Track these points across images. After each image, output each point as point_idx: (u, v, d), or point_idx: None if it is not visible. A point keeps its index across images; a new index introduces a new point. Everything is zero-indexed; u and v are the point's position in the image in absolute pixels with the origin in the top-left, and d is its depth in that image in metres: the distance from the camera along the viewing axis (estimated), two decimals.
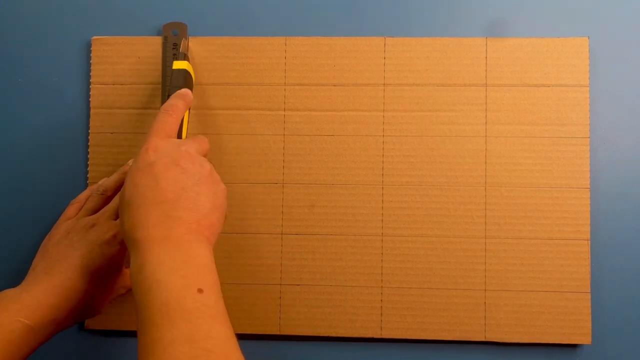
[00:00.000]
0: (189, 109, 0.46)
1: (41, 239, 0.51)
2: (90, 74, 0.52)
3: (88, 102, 0.52)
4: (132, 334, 0.50)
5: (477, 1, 0.51)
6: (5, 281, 0.52)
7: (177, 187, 0.38)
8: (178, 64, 0.47)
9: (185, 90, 0.45)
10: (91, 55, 0.52)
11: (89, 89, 0.52)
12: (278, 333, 0.50)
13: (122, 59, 0.52)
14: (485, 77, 0.50)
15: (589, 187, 0.49)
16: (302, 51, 0.51)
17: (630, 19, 0.51)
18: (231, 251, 0.50)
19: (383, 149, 0.50)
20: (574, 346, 0.49)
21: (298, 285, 0.50)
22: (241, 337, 0.50)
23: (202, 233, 0.38)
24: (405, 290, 0.49)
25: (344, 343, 0.50)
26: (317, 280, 0.50)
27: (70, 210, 0.48)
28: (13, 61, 0.53)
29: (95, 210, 0.47)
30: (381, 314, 0.49)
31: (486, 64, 0.50)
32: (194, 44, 0.51)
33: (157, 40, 0.51)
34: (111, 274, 0.45)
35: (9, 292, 0.42)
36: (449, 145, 0.50)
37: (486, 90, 0.50)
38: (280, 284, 0.50)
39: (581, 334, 0.48)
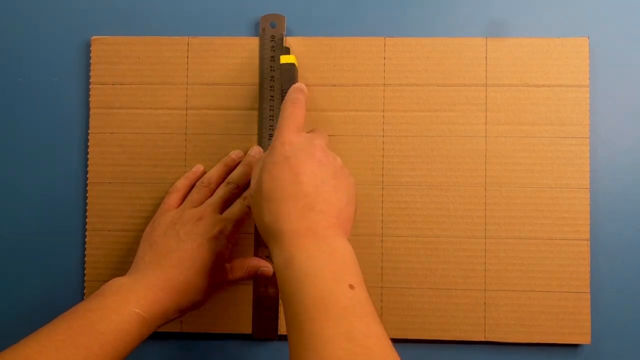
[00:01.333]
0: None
1: (41, 239, 0.52)
2: (90, 74, 0.52)
3: (88, 102, 0.51)
4: None
5: (477, 1, 0.51)
6: (5, 281, 0.52)
7: (316, 180, 0.38)
8: (286, 59, 0.47)
9: (301, 84, 0.45)
10: (91, 55, 0.52)
11: (88, 89, 0.52)
12: (279, 333, 0.50)
13: (121, 59, 0.51)
14: (485, 77, 0.50)
15: (588, 187, 0.49)
16: (302, 51, 0.51)
17: (630, 19, 0.51)
18: (231, 251, 0.50)
19: (383, 149, 0.50)
20: (573, 346, 0.49)
21: None
22: (241, 337, 0.50)
23: (341, 227, 0.38)
24: (405, 290, 0.49)
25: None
26: None
27: (172, 199, 0.48)
28: (13, 61, 0.53)
29: (200, 202, 0.47)
30: (381, 314, 0.49)
31: (486, 64, 0.50)
32: (195, 43, 0.51)
33: (157, 40, 0.51)
34: (217, 268, 0.44)
35: (124, 281, 0.42)
36: (449, 145, 0.50)
37: (486, 90, 0.50)
38: None
39: (581, 334, 0.48)
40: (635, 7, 0.51)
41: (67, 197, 0.52)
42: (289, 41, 0.51)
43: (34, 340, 0.37)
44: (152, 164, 0.51)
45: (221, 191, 0.47)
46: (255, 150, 0.49)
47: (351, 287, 0.34)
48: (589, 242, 0.49)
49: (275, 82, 0.50)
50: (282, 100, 0.44)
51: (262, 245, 0.50)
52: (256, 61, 0.51)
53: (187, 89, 0.51)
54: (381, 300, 0.49)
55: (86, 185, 0.51)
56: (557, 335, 0.48)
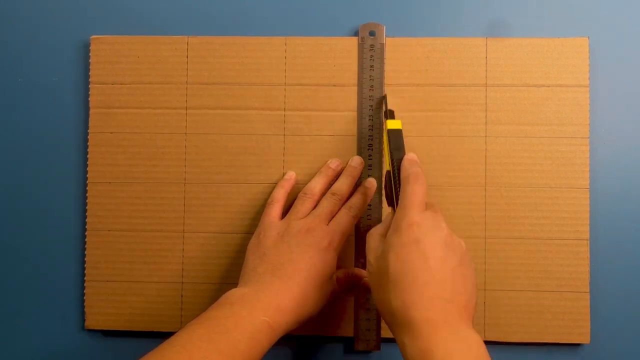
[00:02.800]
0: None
1: (40, 239, 0.52)
2: (90, 73, 0.51)
3: (87, 101, 0.51)
4: (132, 334, 0.51)
5: (477, 1, 0.51)
6: (5, 280, 0.52)
7: (445, 267, 0.37)
8: (392, 124, 0.45)
9: (414, 156, 0.43)
10: (90, 54, 0.51)
11: (88, 89, 0.51)
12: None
13: (121, 59, 0.51)
14: (485, 77, 0.50)
15: (588, 187, 0.49)
16: (302, 51, 0.51)
17: (630, 19, 0.51)
18: (231, 251, 0.50)
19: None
20: (573, 345, 0.49)
21: None
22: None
23: (469, 318, 0.37)
24: None
25: (344, 343, 0.50)
26: None
27: (274, 211, 0.47)
28: (12, 61, 0.53)
29: (305, 214, 0.46)
30: None
31: (486, 64, 0.50)
32: (195, 43, 0.51)
33: (157, 40, 0.51)
34: (327, 280, 0.44)
35: (245, 291, 0.42)
36: (449, 145, 0.50)
37: (486, 90, 0.50)
38: None
39: (580, 334, 0.48)
40: (635, 7, 0.51)
41: (66, 197, 0.52)
42: (291, 41, 0.51)
43: (178, 345, 0.37)
44: (151, 163, 0.51)
45: (326, 202, 0.47)
46: (357, 161, 0.49)
47: None
48: (588, 242, 0.49)
49: (374, 90, 0.50)
50: (389, 162, 0.44)
51: (362, 254, 0.49)
52: (259, 60, 0.51)
53: (186, 88, 0.51)
54: None
55: (86, 185, 0.51)
56: (556, 335, 0.48)
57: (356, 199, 0.48)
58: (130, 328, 0.50)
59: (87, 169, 0.51)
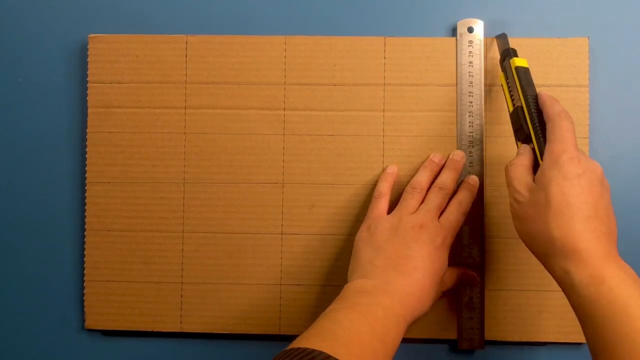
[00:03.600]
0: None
1: (40, 239, 0.52)
2: (88, 72, 0.51)
3: (86, 101, 0.51)
4: (132, 334, 0.51)
5: (477, 1, 0.51)
6: (5, 281, 0.52)
7: (603, 203, 0.39)
8: (520, 62, 0.45)
9: (549, 95, 0.43)
10: (88, 53, 0.51)
11: (86, 88, 0.51)
12: (278, 333, 0.50)
13: (119, 58, 0.51)
14: (486, 77, 0.50)
15: None
16: (302, 50, 0.50)
17: (630, 19, 0.51)
18: (231, 251, 0.50)
19: (383, 149, 0.50)
20: (572, 345, 0.50)
21: (298, 285, 0.50)
22: (241, 337, 0.51)
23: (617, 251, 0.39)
24: None
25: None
26: (317, 280, 0.50)
27: (382, 204, 0.47)
28: (11, 60, 0.52)
29: (415, 208, 0.46)
30: None
31: (486, 64, 0.50)
32: (194, 42, 0.51)
33: (155, 39, 0.51)
34: (441, 277, 0.45)
35: (372, 283, 0.42)
36: (449, 145, 0.50)
37: (486, 90, 0.50)
38: (280, 284, 0.50)
39: (580, 333, 0.48)
40: (635, 7, 0.51)
41: (65, 197, 0.52)
42: (290, 40, 0.50)
43: (342, 328, 0.38)
44: (150, 163, 0.51)
45: (434, 197, 0.46)
46: (459, 155, 0.49)
47: None
48: None
49: (473, 86, 0.49)
50: (514, 105, 0.44)
51: (465, 249, 0.49)
52: (259, 59, 0.50)
53: (185, 87, 0.51)
54: None
55: (85, 185, 0.51)
56: (556, 335, 0.49)
57: (464, 195, 0.47)
58: (130, 328, 0.50)
59: (86, 168, 0.51)
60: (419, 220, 0.44)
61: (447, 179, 0.47)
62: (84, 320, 0.51)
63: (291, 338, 0.50)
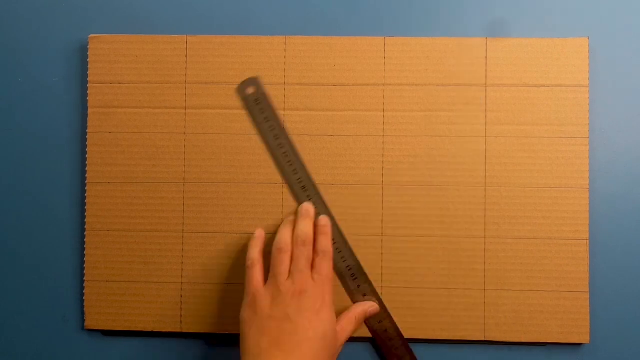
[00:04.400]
0: None
1: (40, 239, 0.52)
2: (88, 72, 0.51)
3: (86, 101, 0.51)
4: (132, 334, 0.51)
5: (477, 1, 0.51)
6: (5, 281, 0.52)
7: None
8: None
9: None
10: (88, 53, 0.51)
11: (86, 88, 0.51)
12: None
13: (119, 58, 0.51)
14: (485, 77, 0.50)
15: (588, 187, 0.49)
16: (302, 51, 0.50)
17: (630, 19, 0.51)
18: (231, 251, 0.50)
19: (383, 149, 0.50)
20: (572, 345, 0.50)
21: None
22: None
23: None
24: (405, 290, 0.49)
25: (344, 343, 0.50)
26: None
27: (257, 274, 0.46)
28: (11, 60, 0.52)
29: (287, 271, 0.45)
30: None
31: (486, 64, 0.50)
32: (194, 42, 0.51)
33: (155, 39, 0.51)
34: (332, 338, 0.44)
35: None
36: (449, 145, 0.50)
37: (486, 90, 0.50)
38: None
39: (580, 333, 0.49)
40: (635, 7, 0.51)
41: (65, 197, 0.52)
42: (290, 41, 0.50)
43: None
44: (151, 163, 0.51)
45: (301, 254, 0.46)
46: (308, 206, 0.49)
47: None
48: (588, 242, 0.49)
49: (280, 138, 0.50)
50: None
51: (348, 280, 0.49)
52: (259, 59, 0.50)
53: (185, 88, 0.51)
54: (381, 300, 0.49)
55: (85, 185, 0.51)
56: (556, 335, 0.49)
57: (323, 243, 0.47)
58: (129, 328, 0.50)
59: (86, 168, 0.51)
60: (297, 287, 0.44)
61: (305, 228, 0.47)
62: (84, 320, 0.51)
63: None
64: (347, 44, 0.50)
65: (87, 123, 0.51)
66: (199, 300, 0.50)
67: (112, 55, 0.51)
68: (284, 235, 0.47)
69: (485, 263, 0.49)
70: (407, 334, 0.49)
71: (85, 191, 0.51)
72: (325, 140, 0.50)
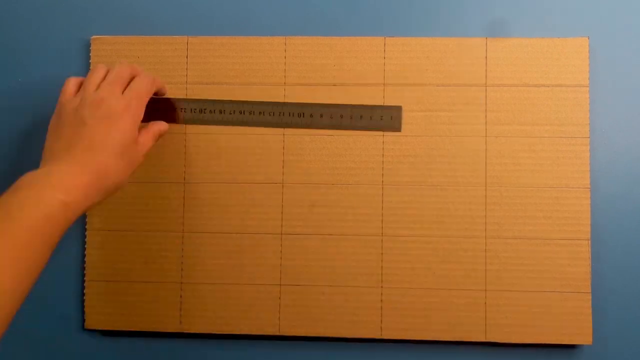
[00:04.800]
0: None
1: None
2: None
3: None
4: (132, 334, 0.51)
5: (477, 1, 0.51)
6: None
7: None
8: None
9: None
10: (90, 54, 0.51)
11: None
12: (278, 333, 0.50)
13: (121, 59, 0.51)
14: (485, 77, 0.50)
15: (589, 187, 0.49)
16: (302, 51, 0.51)
17: (630, 19, 0.51)
18: (231, 251, 0.50)
19: (383, 149, 0.50)
20: (574, 346, 0.49)
21: (298, 285, 0.50)
22: (241, 337, 0.50)
23: None
24: (406, 290, 0.49)
25: (344, 343, 0.50)
26: (317, 280, 0.50)
27: (70, 86, 0.46)
28: (13, 61, 0.53)
29: (98, 83, 0.45)
30: (381, 314, 0.49)
31: (486, 64, 0.50)
32: (194, 43, 0.51)
33: (157, 40, 0.51)
34: (130, 146, 0.43)
35: (36, 173, 0.40)
36: (449, 145, 0.50)
37: (486, 90, 0.50)
38: (280, 284, 0.50)
39: (582, 334, 0.48)
40: (635, 7, 0.51)
41: None
42: (290, 41, 0.51)
43: None
44: (151, 163, 0.51)
45: (116, 71, 0.45)
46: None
47: None
48: (589, 242, 0.48)
49: None
50: None
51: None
52: (259, 60, 0.51)
53: (186, 88, 0.51)
54: (381, 300, 0.49)
55: None
56: (558, 336, 0.48)
57: (150, 77, 0.46)
58: (129, 328, 0.50)
59: None
60: (99, 95, 0.43)
61: (130, 66, 0.46)
62: (84, 320, 0.51)
63: (291, 338, 0.50)
64: (347, 44, 0.50)
65: None
66: (199, 300, 0.50)
67: (114, 56, 0.52)
68: (105, 68, 0.46)
69: (486, 263, 0.49)
70: (407, 335, 0.49)
71: None
72: (325, 140, 0.50)
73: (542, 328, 0.48)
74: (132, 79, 0.45)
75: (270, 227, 0.50)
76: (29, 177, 0.39)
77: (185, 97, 0.51)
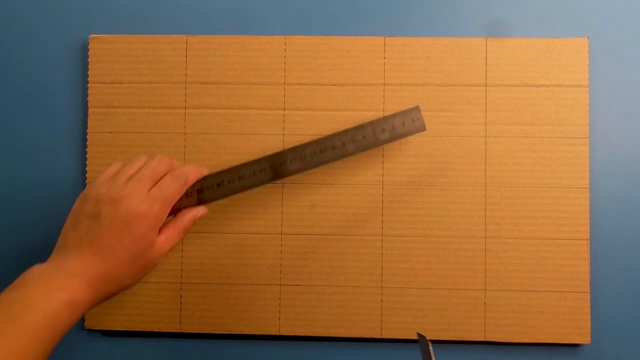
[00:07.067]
0: None
1: (40, 239, 0.52)
2: (88, 72, 0.51)
3: (86, 101, 0.51)
4: (132, 334, 0.51)
5: (477, 1, 0.51)
6: (5, 281, 0.52)
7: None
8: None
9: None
10: (89, 54, 0.51)
11: (87, 88, 0.51)
12: (278, 333, 0.50)
13: (120, 58, 0.51)
14: (485, 77, 0.50)
15: (588, 187, 0.49)
16: (302, 50, 0.50)
17: (630, 19, 0.51)
18: (231, 251, 0.50)
19: (383, 148, 0.50)
20: (573, 346, 0.49)
21: (298, 285, 0.50)
22: (241, 337, 0.50)
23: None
24: (405, 290, 0.49)
25: (344, 343, 0.50)
26: (317, 280, 0.50)
27: (106, 172, 0.43)
28: (11, 61, 0.52)
29: (128, 177, 0.42)
30: (381, 314, 0.49)
31: (486, 64, 0.50)
32: (194, 42, 0.51)
33: (156, 39, 0.51)
34: (144, 250, 0.41)
35: (45, 269, 0.39)
36: (449, 145, 0.50)
37: (486, 90, 0.50)
38: (280, 284, 0.50)
39: (581, 334, 0.48)
40: (635, 7, 0.51)
41: (66, 197, 0.51)
42: (290, 40, 0.50)
43: None
44: None
45: (149, 166, 0.42)
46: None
47: None
48: (588, 241, 0.49)
49: None
50: None
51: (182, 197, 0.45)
52: (259, 59, 0.50)
53: (185, 87, 0.51)
54: (381, 300, 0.49)
55: (85, 184, 0.51)
56: (557, 335, 0.48)
57: (189, 169, 0.44)
58: (129, 328, 0.50)
59: (86, 168, 0.51)
60: (123, 192, 0.40)
61: (166, 159, 0.43)
62: (83, 320, 0.51)
63: (290, 338, 0.50)
64: (347, 44, 0.50)
65: (87, 123, 0.51)
66: (199, 300, 0.50)
67: (113, 55, 0.51)
68: (146, 159, 0.44)
69: (485, 263, 0.49)
70: (407, 334, 0.49)
71: None
72: None
73: (541, 327, 0.49)
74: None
75: (270, 227, 0.50)
76: (36, 273, 0.39)
77: (185, 97, 0.51)
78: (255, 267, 0.50)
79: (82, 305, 0.39)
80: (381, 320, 0.49)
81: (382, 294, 0.49)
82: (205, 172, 0.45)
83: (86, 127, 0.51)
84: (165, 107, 0.51)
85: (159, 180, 0.42)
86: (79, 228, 0.40)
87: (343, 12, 0.51)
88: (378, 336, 0.49)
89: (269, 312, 0.50)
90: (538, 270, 0.49)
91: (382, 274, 0.49)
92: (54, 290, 0.38)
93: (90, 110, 0.51)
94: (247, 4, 0.52)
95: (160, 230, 0.42)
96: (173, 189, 0.42)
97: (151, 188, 0.42)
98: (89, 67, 0.51)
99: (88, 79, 0.51)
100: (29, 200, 0.52)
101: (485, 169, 0.50)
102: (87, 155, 0.51)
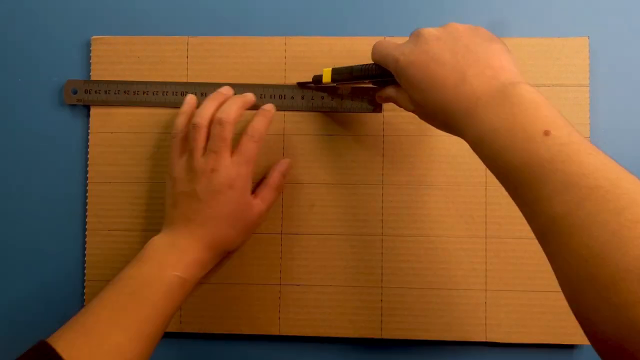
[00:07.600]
0: None
1: (40, 239, 0.52)
2: (90, 73, 0.52)
3: None
4: None
5: (477, 1, 0.51)
6: (5, 280, 0.52)
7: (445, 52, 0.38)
8: (327, 76, 0.47)
9: None
10: (91, 54, 0.52)
11: None
12: (278, 333, 0.50)
13: (121, 59, 0.51)
14: None
15: None
16: (302, 51, 0.51)
17: (630, 19, 0.51)
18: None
19: (383, 148, 0.50)
20: (574, 346, 0.49)
21: (298, 285, 0.50)
22: (241, 337, 0.50)
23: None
24: (406, 290, 0.49)
25: (344, 344, 0.50)
26: (317, 280, 0.50)
27: (178, 146, 0.46)
28: (13, 61, 0.53)
29: (201, 148, 0.44)
30: (381, 314, 0.49)
31: None
32: (195, 43, 0.51)
33: (157, 40, 0.51)
34: (244, 213, 0.45)
35: (160, 244, 0.44)
36: (449, 145, 0.50)
37: None
38: (280, 284, 0.50)
39: (581, 334, 0.47)
40: (635, 7, 0.51)
41: (67, 197, 0.52)
42: (290, 41, 0.51)
43: (89, 310, 0.40)
44: (152, 163, 0.51)
45: (216, 135, 0.44)
46: (269, 106, 0.47)
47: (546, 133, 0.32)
48: None
49: None
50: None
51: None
52: (259, 60, 0.51)
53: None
54: (381, 300, 0.49)
55: (86, 185, 0.51)
56: (558, 336, 0.48)
57: (256, 123, 0.46)
58: None
59: (87, 168, 0.51)
60: (210, 165, 0.44)
61: (227, 107, 0.45)
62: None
63: (291, 338, 0.50)
64: (347, 44, 0.50)
65: (88, 123, 0.51)
66: (199, 300, 0.50)
67: (115, 56, 0.52)
68: (203, 110, 0.46)
69: (486, 263, 0.49)
70: (407, 335, 0.49)
71: (86, 191, 0.51)
72: (325, 140, 0.50)
73: (542, 328, 0.48)
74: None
75: (270, 227, 0.50)
76: (153, 249, 0.43)
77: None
78: (255, 266, 0.50)
79: (193, 277, 0.43)
80: (381, 321, 0.49)
81: (382, 294, 0.49)
82: (270, 118, 0.47)
83: (88, 128, 0.51)
84: (166, 107, 0.51)
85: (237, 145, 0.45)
86: (181, 206, 0.45)
87: (343, 13, 0.52)
88: (378, 336, 0.49)
89: (269, 312, 0.50)
90: (539, 270, 0.49)
91: (382, 274, 0.49)
92: (167, 267, 0.42)
93: (91, 111, 0.51)
94: (248, 5, 0.52)
95: (254, 193, 0.47)
96: (252, 149, 0.45)
97: (231, 153, 0.45)
98: (91, 67, 0.52)
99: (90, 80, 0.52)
100: (29, 200, 0.52)
101: (485, 168, 0.49)
102: (88, 155, 0.51)
